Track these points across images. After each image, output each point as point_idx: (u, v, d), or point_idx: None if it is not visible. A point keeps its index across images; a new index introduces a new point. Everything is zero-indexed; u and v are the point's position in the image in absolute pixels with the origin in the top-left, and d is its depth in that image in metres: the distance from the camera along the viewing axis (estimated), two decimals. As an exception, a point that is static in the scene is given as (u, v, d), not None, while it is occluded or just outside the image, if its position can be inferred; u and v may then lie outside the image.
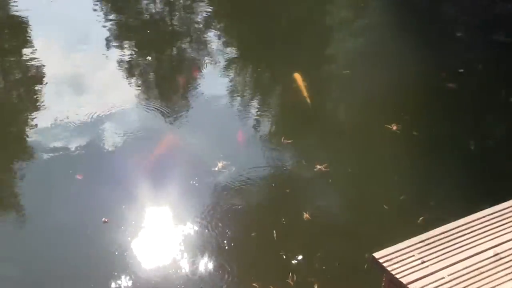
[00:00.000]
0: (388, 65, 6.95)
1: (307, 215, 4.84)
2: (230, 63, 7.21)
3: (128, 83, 6.84)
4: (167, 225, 4.85)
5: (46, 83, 6.63)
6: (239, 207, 4.97)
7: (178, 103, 6.47)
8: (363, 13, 8.44)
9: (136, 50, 7.36)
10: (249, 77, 7.21)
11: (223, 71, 7.07)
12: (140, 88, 6.73)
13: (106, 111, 6.11)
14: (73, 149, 5.60)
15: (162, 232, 4.78)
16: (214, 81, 6.92)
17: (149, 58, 6.89)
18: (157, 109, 6.22)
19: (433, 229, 3.49)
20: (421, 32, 7.61)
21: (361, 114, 6.18)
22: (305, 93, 6.33)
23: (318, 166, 5.33)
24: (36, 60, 7.05)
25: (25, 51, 7.24)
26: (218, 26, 8.23)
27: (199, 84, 6.82)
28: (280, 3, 8.61)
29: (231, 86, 6.84)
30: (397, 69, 6.84)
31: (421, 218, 4.79)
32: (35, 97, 6.41)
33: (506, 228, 3.52)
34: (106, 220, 4.75)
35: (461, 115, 6.17)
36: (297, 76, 6.60)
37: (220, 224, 4.78)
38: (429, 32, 7.66)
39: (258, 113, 6.30)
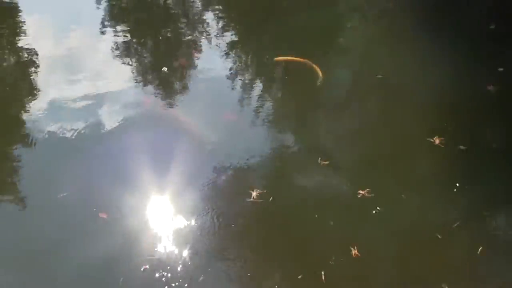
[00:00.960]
0: (423, 69, 6.46)
1: (356, 251, 4.42)
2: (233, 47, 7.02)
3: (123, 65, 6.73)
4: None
5: (39, 66, 6.57)
6: (281, 243, 4.58)
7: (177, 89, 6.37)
8: (394, 13, 7.87)
9: (131, 32, 7.31)
10: (254, 67, 6.88)
11: (225, 57, 6.84)
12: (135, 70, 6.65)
13: (102, 93, 6.09)
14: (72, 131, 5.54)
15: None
16: (215, 65, 6.77)
17: (165, 69, 6.31)
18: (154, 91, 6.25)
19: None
20: (453, 30, 7.14)
21: (399, 126, 5.72)
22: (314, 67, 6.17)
23: (361, 192, 4.89)
24: (28, 44, 6.93)
25: (17, 34, 7.11)
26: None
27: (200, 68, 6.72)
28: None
29: (240, 86, 6.44)
30: (431, 72, 6.37)
31: (480, 249, 4.42)
32: (28, 81, 6.32)
33: None
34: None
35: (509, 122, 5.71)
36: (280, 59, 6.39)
37: (263, 266, 4.41)
38: (462, 27, 7.18)
39: (283, 127, 5.87)
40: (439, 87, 6.12)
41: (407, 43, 6.91)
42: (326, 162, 5.21)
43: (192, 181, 5.01)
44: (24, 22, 7.45)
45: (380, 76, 6.32)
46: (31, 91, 6.16)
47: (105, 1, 8.05)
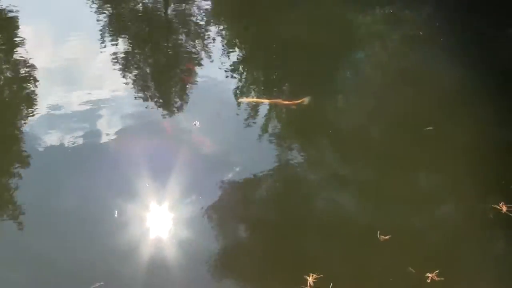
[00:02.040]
0: (475, 119, 5.88)
1: None
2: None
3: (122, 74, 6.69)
4: None
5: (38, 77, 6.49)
6: None
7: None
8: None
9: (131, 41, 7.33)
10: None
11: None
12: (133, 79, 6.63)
13: (100, 101, 6.02)
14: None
15: None
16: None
17: (196, 123, 5.75)
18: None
19: None
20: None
21: (458, 190, 5.11)
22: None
23: (429, 275, 4.32)
24: (26, 53, 6.92)
25: (15, 44, 7.06)
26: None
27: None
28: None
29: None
30: (486, 122, 5.84)
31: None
32: (27, 90, 6.26)
33: None
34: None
35: None
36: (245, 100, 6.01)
37: None
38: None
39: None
40: (497, 140, 5.59)
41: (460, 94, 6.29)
42: (386, 237, 4.67)
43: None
44: (22, 32, 7.38)
45: (429, 128, 5.79)
46: (31, 101, 6.07)
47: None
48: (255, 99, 6.14)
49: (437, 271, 4.31)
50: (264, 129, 5.78)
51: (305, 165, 5.44)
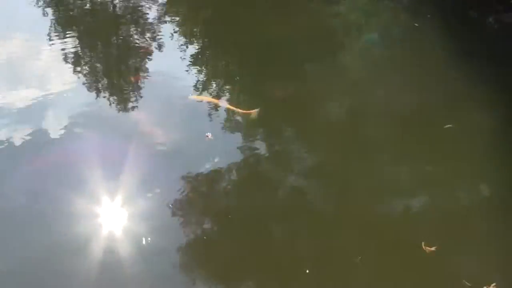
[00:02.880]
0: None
1: None
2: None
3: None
4: None
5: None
6: None
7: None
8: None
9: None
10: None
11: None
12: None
13: (47, 98, 5.80)
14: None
15: None
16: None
17: (209, 135, 5.31)
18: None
19: None
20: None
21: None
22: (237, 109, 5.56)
23: (485, 288, 3.93)
24: None
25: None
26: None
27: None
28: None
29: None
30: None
31: None
32: None
33: None
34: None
35: None
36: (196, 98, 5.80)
37: None
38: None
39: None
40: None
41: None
42: (432, 248, 4.17)
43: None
44: None
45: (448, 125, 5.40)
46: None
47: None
48: (205, 98, 5.84)
49: (493, 284, 3.91)
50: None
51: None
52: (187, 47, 6.98)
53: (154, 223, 4.38)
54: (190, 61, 6.65)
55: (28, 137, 5.17)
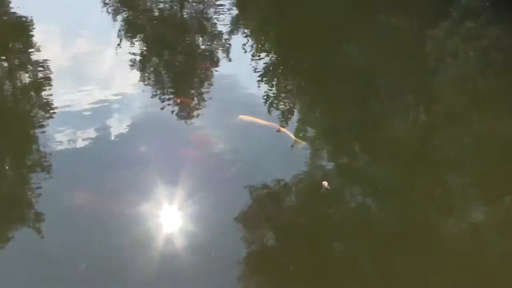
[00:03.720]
0: None
1: None
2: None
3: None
4: None
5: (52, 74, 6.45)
6: None
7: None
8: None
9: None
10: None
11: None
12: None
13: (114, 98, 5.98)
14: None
15: None
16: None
17: (325, 184, 4.99)
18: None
19: None
20: None
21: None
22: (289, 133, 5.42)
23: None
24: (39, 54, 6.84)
25: (29, 47, 7.03)
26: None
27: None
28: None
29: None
30: None
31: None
32: (43, 90, 6.16)
33: None
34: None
35: None
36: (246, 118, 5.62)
37: None
38: None
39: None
40: None
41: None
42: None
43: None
44: (36, 36, 7.32)
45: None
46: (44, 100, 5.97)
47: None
48: (256, 119, 5.68)
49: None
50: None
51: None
52: (257, 62, 7.04)
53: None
54: (258, 79, 6.67)
55: (91, 137, 5.39)
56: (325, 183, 4.80)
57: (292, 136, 5.46)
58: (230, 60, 7.16)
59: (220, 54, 7.28)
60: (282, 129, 5.53)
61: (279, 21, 8.33)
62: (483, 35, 7.84)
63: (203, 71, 6.70)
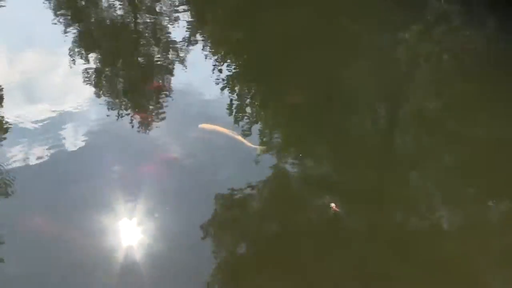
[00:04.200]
0: None
1: None
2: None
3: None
4: None
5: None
6: None
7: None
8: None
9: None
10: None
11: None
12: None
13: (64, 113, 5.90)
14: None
15: None
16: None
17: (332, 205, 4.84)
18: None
19: None
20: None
21: None
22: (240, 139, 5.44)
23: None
24: None
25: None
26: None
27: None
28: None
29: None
30: None
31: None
32: None
33: None
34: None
35: None
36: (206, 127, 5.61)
37: None
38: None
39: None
40: None
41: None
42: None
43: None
44: None
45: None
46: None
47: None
48: (217, 128, 5.63)
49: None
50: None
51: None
52: (214, 70, 7.01)
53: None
54: (216, 87, 6.64)
55: (46, 154, 5.29)
56: (332, 205, 4.66)
57: (248, 143, 5.45)
58: (185, 69, 7.15)
59: (176, 64, 7.25)
60: (239, 137, 5.52)
61: (239, 26, 8.31)
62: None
63: (156, 90, 6.57)
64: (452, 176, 5.33)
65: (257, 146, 5.43)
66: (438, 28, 8.34)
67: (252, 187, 5.02)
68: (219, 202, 4.88)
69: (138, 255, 4.33)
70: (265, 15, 8.22)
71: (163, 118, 6.03)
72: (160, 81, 6.84)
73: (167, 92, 6.56)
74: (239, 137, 5.51)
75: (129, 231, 4.53)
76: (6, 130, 5.69)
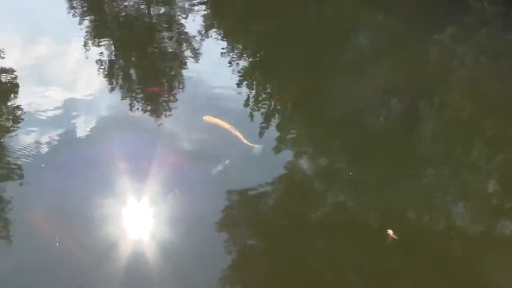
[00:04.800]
0: None
1: None
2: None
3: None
4: None
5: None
6: None
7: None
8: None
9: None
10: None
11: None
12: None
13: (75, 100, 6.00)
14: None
15: None
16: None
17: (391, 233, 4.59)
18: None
19: None
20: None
21: None
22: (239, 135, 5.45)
23: None
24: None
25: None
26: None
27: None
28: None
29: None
30: None
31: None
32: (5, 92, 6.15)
33: None
34: None
35: None
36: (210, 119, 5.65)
37: None
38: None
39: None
40: None
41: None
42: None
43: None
44: None
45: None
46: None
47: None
48: (219, 122, 5.67)
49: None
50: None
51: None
52: (230, 63, 7.03)
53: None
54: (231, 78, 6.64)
55: (56, 139, 5.38)
56: (390, 232, 4.50)
57: (246, 142, 5.45)
58: (197, 60, 7.17)
59: (188, 54, 7.28)
60: (238, 134, 5.52)
61: (255, 20, 8.26)
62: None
63: (157, 94, 6.46)
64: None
65: (255, 145, 5.42)
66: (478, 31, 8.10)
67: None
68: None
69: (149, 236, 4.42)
70: (288, 12, 8.18)
71: (173, 109, 6.10)
72: (164, 85, 6.74)
73: (179, 80, 6.64)
74: (238, 134, 5.52)
75: (141, 217, 4.63)
76: (19, 117, 5.78)
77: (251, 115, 6.04)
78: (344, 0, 8.56)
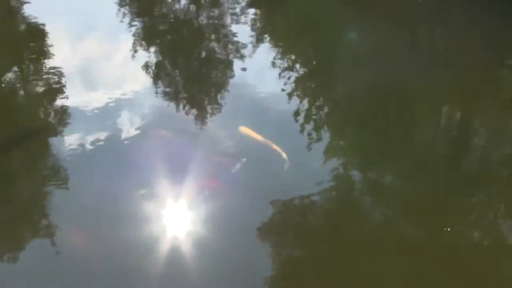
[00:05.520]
0: None
1: None
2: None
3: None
4: None
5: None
6: None
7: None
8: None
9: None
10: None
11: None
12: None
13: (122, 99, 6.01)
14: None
15: None
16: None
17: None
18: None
19: None
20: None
21: None
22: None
23: None
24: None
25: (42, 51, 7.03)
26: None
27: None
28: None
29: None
30: None
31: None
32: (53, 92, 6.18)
33: None
34: None
35: None
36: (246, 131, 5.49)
37: None
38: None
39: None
40: None
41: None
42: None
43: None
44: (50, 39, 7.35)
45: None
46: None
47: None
48: (254, 134, 5.52)
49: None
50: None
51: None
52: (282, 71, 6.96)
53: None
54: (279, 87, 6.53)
55: (102, 138, 5.40)
56: None
57: (284, 155, 5.25)
58: (244, 68, 7.06)
59: (234, 61, 7.21)
60: (274, 146, 5.34)
61: (309, 30, 8.18)
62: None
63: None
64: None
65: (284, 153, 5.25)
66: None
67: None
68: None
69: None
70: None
71: (216, 113, 6.05)
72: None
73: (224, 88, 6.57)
74: (274, 146, 5.34)
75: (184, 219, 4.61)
76: (67, 116, 5.81)
77: (294, 128, 5.87)
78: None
